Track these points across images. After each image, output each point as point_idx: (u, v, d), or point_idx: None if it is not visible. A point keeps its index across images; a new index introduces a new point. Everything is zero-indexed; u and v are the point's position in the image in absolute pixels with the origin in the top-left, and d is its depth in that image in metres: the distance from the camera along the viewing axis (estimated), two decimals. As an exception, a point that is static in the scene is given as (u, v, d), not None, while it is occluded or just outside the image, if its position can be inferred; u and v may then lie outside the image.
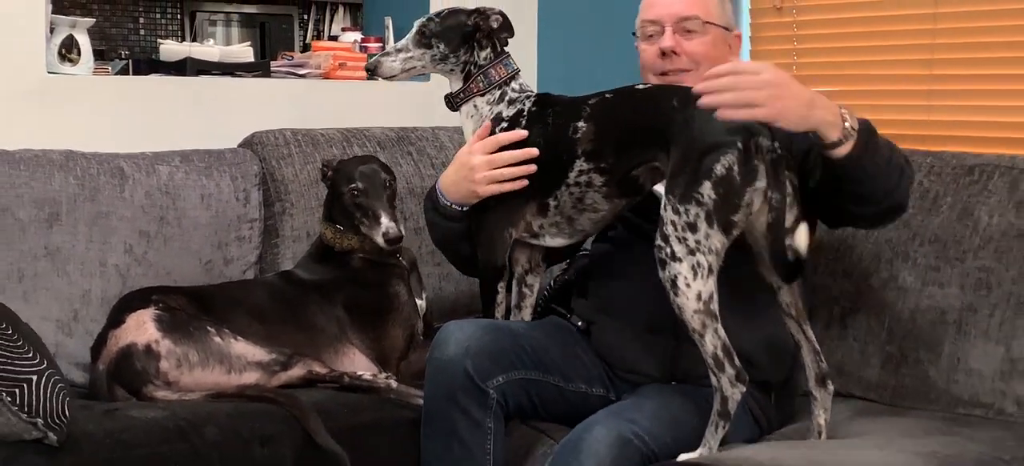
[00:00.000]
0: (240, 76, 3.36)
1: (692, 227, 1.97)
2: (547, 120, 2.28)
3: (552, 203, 2.24)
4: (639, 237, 2.29)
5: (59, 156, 2.73)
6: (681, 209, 1.98)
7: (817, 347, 2.14)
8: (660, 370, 2.28)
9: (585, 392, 2.31)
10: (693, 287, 1.97)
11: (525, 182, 2.23)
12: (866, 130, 2.02)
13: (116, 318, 2.47)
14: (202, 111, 3.16)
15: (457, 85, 2.38)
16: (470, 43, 2.33)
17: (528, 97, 2.34)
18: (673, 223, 1.99)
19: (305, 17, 6.22)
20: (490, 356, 2.17)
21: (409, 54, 2.35)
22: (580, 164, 2.18)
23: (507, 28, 2.37)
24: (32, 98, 2.92)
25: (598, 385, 2.33)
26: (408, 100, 3.50)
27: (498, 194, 2.26)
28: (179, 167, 2.85)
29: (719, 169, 1.97)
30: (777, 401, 2.35)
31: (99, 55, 3.23)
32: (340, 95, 3.43)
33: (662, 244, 2.01)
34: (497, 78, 2.33)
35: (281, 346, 2.47)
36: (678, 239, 1.98)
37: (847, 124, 1.99)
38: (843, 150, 1.99)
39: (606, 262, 2.44)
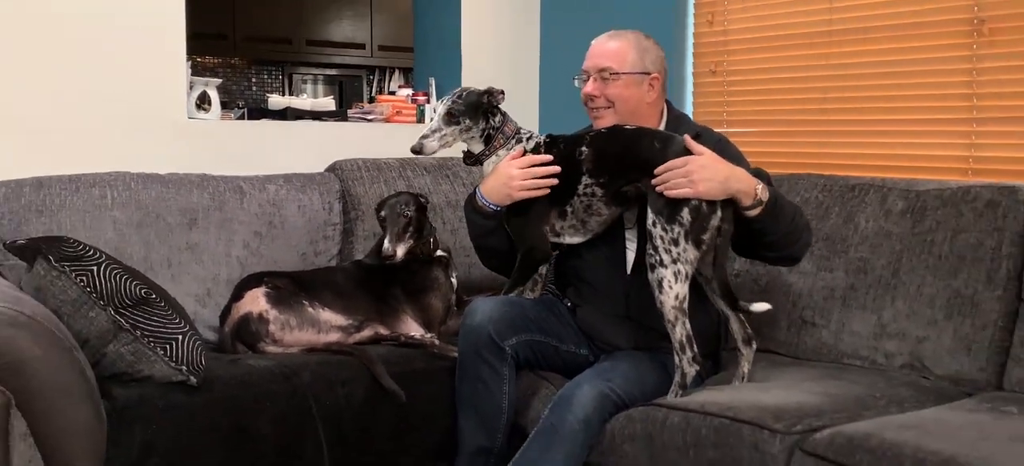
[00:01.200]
0: (325, 121, 3.37)
1: (674, 242, 2.03)
2: (559, 148, 2.24)
3: (569, 209, 2.21)
4: (607, 245, 2.29)
5: (196, 178, 2.74)
6: (667, 227, 2.04)
7: (742, 318, 2.17)
8: (629, 342, 2.28)
9: (574, 352, 2.31)
10: (673, 289, 2.03)
11: (548, 189, 2.18)
12: (772, 200, 2.10)
13: (237, 294, 2.50)
14: (298, 146, 3.17)
15: (478, 147, 2.30)
16: (485, 113, 2.27)
17: (537, 137, 2.30)
18: (661, 237, 2.04)
19: (371, 77, 6.23)
20: (506, 323, 2.18)
21: (443, 132, 2.24)
22: (586, 179, 2.16)
23: (502, 98, 2.31)
24: (177, 137, 2.94)
25: (583, 348, 2.33)
26: (447, 137, 3.54)
27: (531, 201, 2.19)
28: (282, 186, 2.86)
29: (693, 201, 2.04)
30: (712, 361, 2.35)
31: (224, 105, 3.22)
32: (397, 134, 3.37)
33: (652, 252, 2.05)
34: (510, 133, 2.28)
35: (355, 314, 2.49)
36: (664, 250, 2.04)
37: (758, 196, 2.07)
38: (753, 212, 2.08)
39: (586, 264, 2.36)
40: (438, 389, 2.31)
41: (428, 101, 3.59)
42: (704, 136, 2.25)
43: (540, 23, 3.71)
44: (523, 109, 3.64)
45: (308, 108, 3.46)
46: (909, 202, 2.34)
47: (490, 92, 2.27)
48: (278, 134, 3.19)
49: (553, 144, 2.27)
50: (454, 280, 2.75)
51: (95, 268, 2.15)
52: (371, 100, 3.97)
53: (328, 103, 3.63)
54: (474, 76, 3.57)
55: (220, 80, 3.23)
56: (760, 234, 2.14)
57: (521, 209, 2.23)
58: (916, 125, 2.65)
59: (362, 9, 6.22)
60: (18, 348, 1.73)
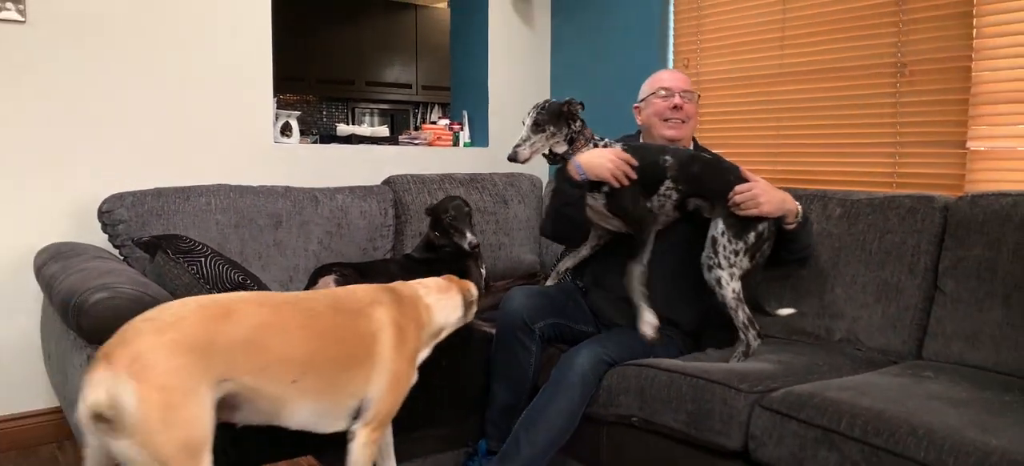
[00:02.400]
0: (381, 144, 3.36)
1: (735, 253, 2.04)
2: (639, 151, 2.14)
3: (654, 202, 2.14)
4: (620, 243, 2.23)
5: (281, 189, 2.75)
6: (733, 240, 2.04)
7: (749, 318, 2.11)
8: (629, 322, 2.20)
9: (583, 329, 2.28)
10: (730, 285, 2.04)
11: (627, 181, 2.09)
12: (805, 219, 2.18)
13: (313, 280, 2.50)
14: (360, 164, 3.17)
15: (562, 148, 2.16)
16: (566, 119, 2.15)
17: (612, 140, 2.21)
18: (725, 246, 2.04)
19: (416, 111, 6.24)
20: (536, 310, 2.18)
21: (532, 140, 2.11)
22: (667, 182, 2.11)
23: (581, 107, 2.20)
24: (265, 157, 2.96)
25: (591, 326, 2.30)
26: (475, 157, 3.50)
27: (631, 187, 2.10)
28: (348, 196, 2.86)
29: (761, 227, 2.07)
30: (695, 343, 2.29)
31: (302, 133, 3.22)
32: (437, 155, 3.41)
33: (713, 255, 2.04)
34: (589, 136, 2.18)
35: None
36: (725, 257, 2.04)
37: (799, 215, 2.13)
38: (792, 226, 2.13)
39: (602, 255, 2.34)
40: (474, 356, 2.30)
41: (462, 129, 3.59)
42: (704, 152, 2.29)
43: (550, 69, 3.70)
44: (537, 135, 3.65)
45: (367, 134, 3.48)
46: (846, 209, 2.32)
47: (570, 102, 2.16)
48: (344, 155, 3.20)
49: (630, 149, 2.17)
50: (483, 270, 2.74)
51: (203, 259, 2.16)
52: (417, 128, 3.96)
53: (383, 131, 3.66)
54: (498, 110, 3.59)
55: (299, 113, 3.22)
56: (791, 242, 2.17)
57: (626, 192, 2.11)
58: (851, 147, 2.63)
59: (409, 57, 6.25)
60: (144, 322, 1.74)
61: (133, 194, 2.48)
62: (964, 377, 1.86)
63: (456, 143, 3.54)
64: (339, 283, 2.42)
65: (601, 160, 2.09)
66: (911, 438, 1.49)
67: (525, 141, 2.12)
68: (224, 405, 1.51)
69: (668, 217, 2.18)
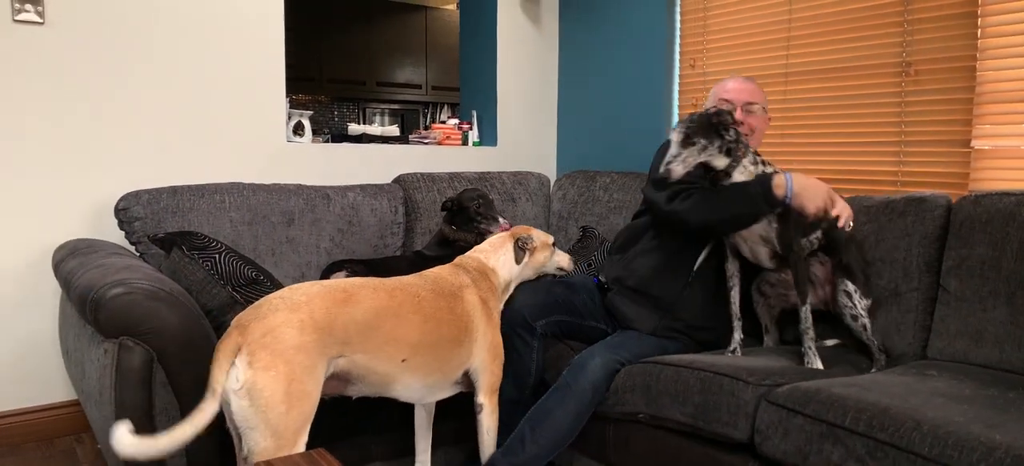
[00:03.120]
0: (391, 143, 3.37)
1: (857, 297, 2.03)
2: None
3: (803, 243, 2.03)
4: (666, 253, 2.19)
5: (293, 187, 2.75)
6: (858, 293, 2.02)
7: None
8: (648, 328, 2.20)
9: (595, 326, 2.27)
10: (864, 320, 2.03)
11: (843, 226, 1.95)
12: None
13: (324, 276, 2.50)
14: (371, 163, 3.18)
15: (722, 161, 1.96)
16: (718, 131, 1.94)
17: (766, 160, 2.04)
18: (855, 295, 2.02)
19: (426, 110, 6.26)
20: (537, 308, 2.16)
21: (683, 155, 1.91)
22: (818, 232, 2.04)
23: (731, 117, 1.99)
24: (278, 156, 2.96)
25: (603, 322, 2.28)
26: (484, 156, 3.50)
27: (811, 225, 1.98)
28: (359, 194, 2.86)
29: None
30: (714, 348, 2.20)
31: (314, 132, 3.25)
32: (447, 154, 3.41)
33: (848, 303, 2.02)
34: (748, 146, 2.01)
35: None
36: (855, 303, 2.02)
37: None
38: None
39: (645, 263, 2.26)
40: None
41: (471, 129, 3.59)
42: None
43: (558, 70, 3.70)
44: (543, 135, 3.65)
45: (378, 134, 3.49)
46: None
47: (718, 112, 1.98)
48: (355, 154, 3.21)
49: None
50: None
51: (217, 256, 2.17)
52: (426, 128, 3.97)
53: (393, 130, 3.65)
54: (506, 109, 3.59)
55: (311, 112, 3.23)
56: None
57: (799, 228, 1.97)
58: (856, 146, 2.61)
59: (419, 58, 6.27)
60: (159, 316, 1.76)
61: (149, 192, 2.49)
62: (968, 375, 1.84)
63: (465, 142, 3.54)
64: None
65: (817, 192, 1.90)
66: (916, 433, 1.48)
67: (676, 157, 1.92)
68: (336, 379, 1.66)
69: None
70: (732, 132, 1.96)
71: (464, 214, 2.66)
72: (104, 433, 1.80)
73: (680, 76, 3.19)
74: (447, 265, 1.99)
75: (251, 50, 2.88)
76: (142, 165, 2.68)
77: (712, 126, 1.94)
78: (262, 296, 2.05)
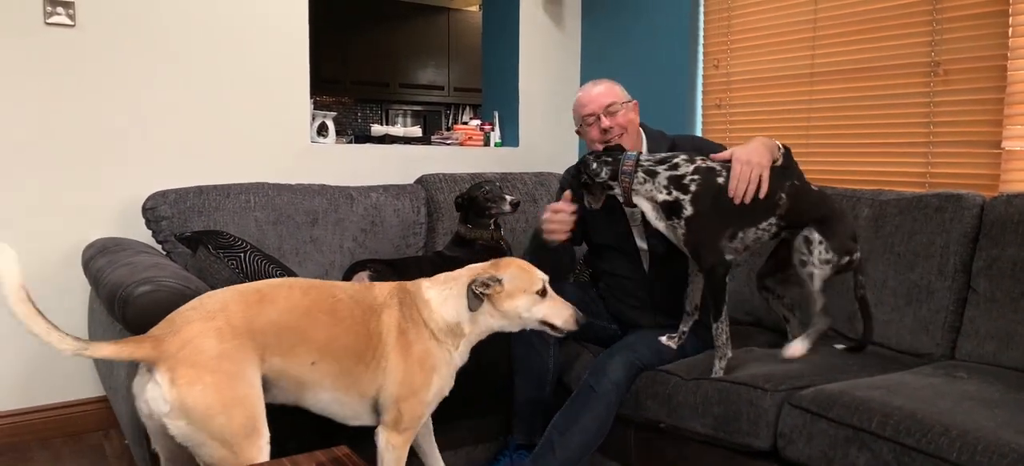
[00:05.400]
0: (414, 145, 3.37)
1: (827, 263, 1.91)
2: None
3: (749, 234, 1.97)
4: (624, 253, 2.21)
5: (317, 187, 2.76)
6: (823, 244, 1.90)
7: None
8: (650, 323, 2.21)
9: (606, 326, 2.27)
10: (818, 280, 1.92)
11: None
12: (787, 150, 2.01)
13: (347, 276, 2.49)
14: (394, 163, 3.18)
15: (618, 191, 2.01)
16: (591, 179, 2.03)
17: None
18: (817, 244, 1.91)
19: (448, 112, 6.27)
20: None
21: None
22: (773, 219, 1.96)
23: None
24: (302, 156, 2.98)
25: (613, 323, 2.29)
26: (506, 157, 3.50)
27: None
28: (382, 194, 2.87)
29: (857, 256, 1.96)
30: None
31: (338, 133, 3.25)
32: (468, 155, 3.42)
33: (803, 249, 1.92)
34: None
35: None
36: (812, 252, 1.91)
37: (781, 150, 1.98)
38: (779, 162, 1.97)
39: (613, 265, 2.28)
40: (499, 348, 2.24)
41: (493, 130, 3.59)
42: (679, 142, 2.21)
43: (580, 70, 3.68)
44: (565, 136, 3.64)
45: (401, 135, 3.48)
46: (874, 209, 2.25)
47: (580, 164, 2.05)
48: (378, 155, 3.22)
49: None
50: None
51: (242, 255, 2.19)
52: (448, 129, 3.98)
53: (416, 131, 3.65)
54: (528, 110, 3.59)
55: (335, 114, 3.25)
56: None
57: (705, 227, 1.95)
58: (884, 147, 2.58)
59: (441, 60, 6.28)
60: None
61: (176, 192, 2.52)
62: (998, 378, 1.81)
63: (487, 143, 3.54)
64: (373, 279, 2.40)
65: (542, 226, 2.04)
66: (944, 438, 1.45)
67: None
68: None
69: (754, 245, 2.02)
70: (603, 170, 1.99)
71: (475, 206, 2.65)
72: (131, 429, 1.83)
73: (704, 76, 3.16)
74: (391, 283, 1.76)
75: (276, 53, 2.90)
76: (169, 165, 2.71)
77: (582, 183, 2.02)
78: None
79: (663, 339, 2.11)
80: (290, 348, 1.56)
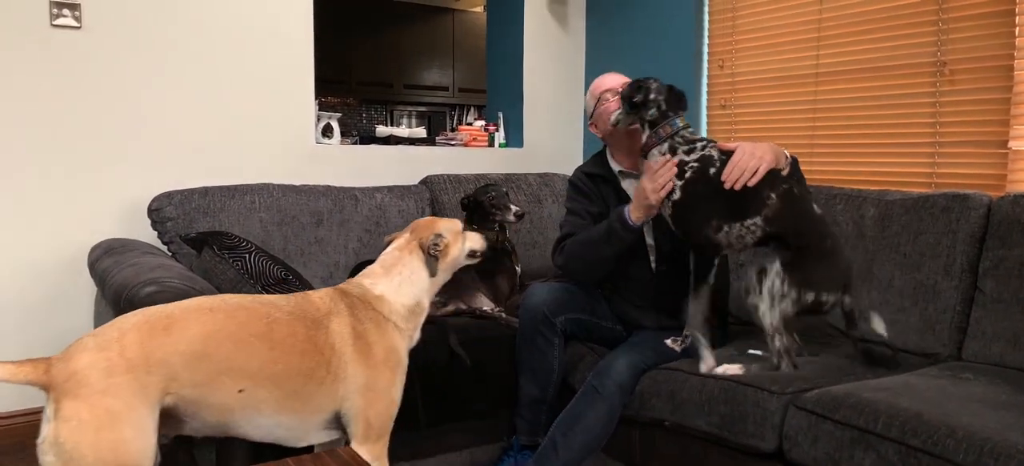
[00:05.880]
0: (418, 145, 3.38)
1: (782, 296, 1.84)
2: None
3: (732, 231, 1.91)
4: (631, 252, 2.17)
5: (322, 188, 2.77)
6: (780, 277, 1.83)
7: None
8: (654, 324, 2.20)
9: (611, 327, 2.26)
10: (768, 318, 1.86)
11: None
12: (794, 160, 1.97)
13: (353, 275, 2.40)
14: (398, 164, 3.18)
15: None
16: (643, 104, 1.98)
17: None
18: (773, 284, 1.84)
19: (453, 112, 6.27)
20: (557, 304, 2.16)
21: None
22: (758, 219, 1.89)
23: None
24: (307, 158, 2.98)
25: (617, 324, 2.27)
26: (510, 158, 3.50)
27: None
28: (387, 195, 2.87)
29: (828, 299, 1.87)
30: (723, 335, 2.23)
31: (343, 134, 3.28)
32: (473, 156, 3.42)
33: (756, 286, 1.87)
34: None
35: (441, 293, 2.26)
36: (769, 292, 1.85)
37: (788, 159, 1.95)
38: (785, 170, 1.92)
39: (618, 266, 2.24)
40: (504, 351, 2.29)
41: (497, 130, 3.59)
42: None
43: (584, 71, 3.68)
44: (570, 137, 3.64)
45: (405, 136, 3.49)
46: (880, 209, 2.24)
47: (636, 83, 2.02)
48: (383, 155, 3.22)
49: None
50: (518, 267, 2.72)
51: (247, 255, 2.19)
52: (453, 130, 3.98)
53: (420, 132, 3.66)
54: (532, 111, 3.59)
55: (340, 115, 3.26)
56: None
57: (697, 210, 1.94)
58: (889, 148, 2.57)
59: (446, 61, 6.29)
60: (190, 314, 1.75)
61: (181, 192, 2.53)
62: (1005, 379, 1.79)
63: (491, 144, 3.54)
64: (377, 281, 2.41)
65: (643, 189, 1.94)
66: (950, 440, 1.44)
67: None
68: (171, 416, 1.44)
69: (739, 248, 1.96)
70: (659, 101, 1.96)
71: (480, 210, 2.65)
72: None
73: (708, 77, 3.16)
74: (329, 289, 1.68)
75: (281, 54, 2.91)
76: (174, 166, 2.72)
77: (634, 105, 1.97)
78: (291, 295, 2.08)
79: (668, 342, 2.10)
80: (207, 378, 1.43)
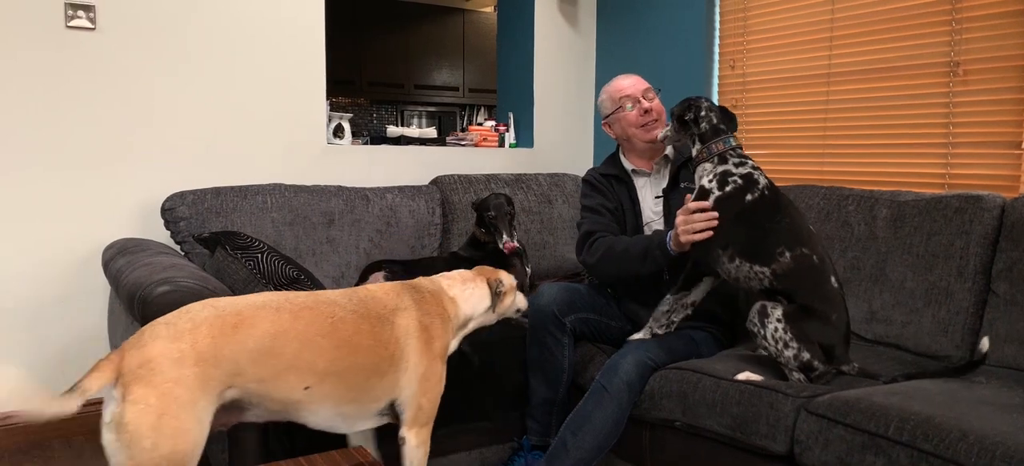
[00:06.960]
0: (429, 146, 3.38)
1: (786, 345, 1.82)
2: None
3: (742, 268, 1.92)
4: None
5: (334, 188, 2.78)
6: (783, 325, 1.82)
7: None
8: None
9: (620, 327, 2.26)
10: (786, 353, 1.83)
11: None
12: None
13: (363, 275, 2.52)
14: (409, 164, 3.19)
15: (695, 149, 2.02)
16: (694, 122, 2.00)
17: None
18: (775, 329, 1.83)
19: (463, 113, 6.30)
20: (566, 304, 2.18)
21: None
22: (768, 271, 1.90)
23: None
24: (319, 158, 2.99)
25: (627, 323, 2.27)
26: (520, 158, 3.50)
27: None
28: (397, 195, 2.88)
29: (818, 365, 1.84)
30: (731, 335, 2.26)
31: (354, 134, 3.28)
32: (483, 156, 3.42)
33: (756, 328, 1.86)
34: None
35: None
36: (773, 337, 1.84)
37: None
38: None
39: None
40: (515, 351, 2.29)
41: (507, 131, 3.59)
42: None
43: (595, 71, 3.68)
44: (580, 137, 3.64)
45: (416, 136, 3.50)
46: (892, 210, 2.23)
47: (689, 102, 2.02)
48: (393, 156, 3.23)
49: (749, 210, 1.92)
50: (528, 268, 2.72)
51: (259, 255, 2.20)
52: (463, 130, 3.99)
53: (431, 132, 3.65)
54: (543, 111, 3.58)
55: (351, 115, 3.27)
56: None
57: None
58: (902, 148, 2.55)
59: (456, 61, 6.30)
60: (203, 314, 1.77)
61: (194, 192, 2.55)
62: (1018, 382, 1.78)
63: (502, 144, 3.55)
64: (388, 279, 2.43)
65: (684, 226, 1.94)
66: (961, 443, 1.43)
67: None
68: (232, 407, 1.50)
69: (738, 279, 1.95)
70: (711, 118, 1.97)
71: (482, 220, 2.66)
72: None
73: (719, 77, 3.15)
74: (395, 283, 1.78)
75: (293, 55, 2.92)
76: (187, 167, 2.74)
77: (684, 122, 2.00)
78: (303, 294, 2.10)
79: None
80: (274, 374, 1.49)
